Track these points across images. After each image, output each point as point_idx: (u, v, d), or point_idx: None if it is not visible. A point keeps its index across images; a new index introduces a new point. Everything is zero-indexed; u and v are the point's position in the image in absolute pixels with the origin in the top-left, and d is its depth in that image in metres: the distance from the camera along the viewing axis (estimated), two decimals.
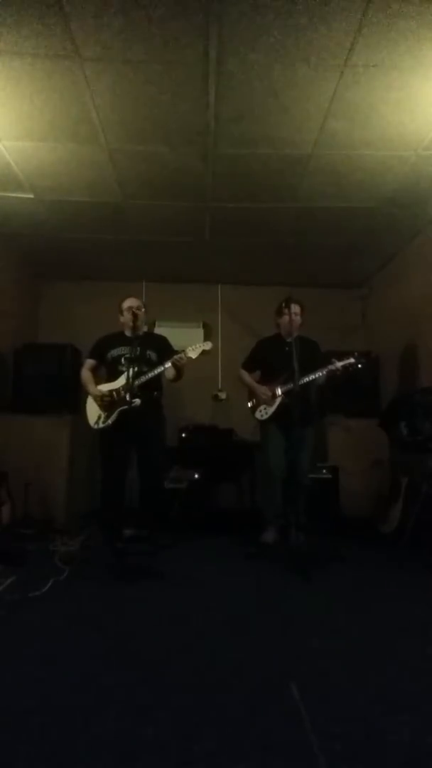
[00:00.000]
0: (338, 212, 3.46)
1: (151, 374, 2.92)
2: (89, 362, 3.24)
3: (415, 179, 3.00)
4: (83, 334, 4.05)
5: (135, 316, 3.04)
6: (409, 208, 3.37)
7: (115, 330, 3.23)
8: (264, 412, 3.12)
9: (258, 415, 3.15)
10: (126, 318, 3.10)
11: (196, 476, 3.74)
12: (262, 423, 3.16)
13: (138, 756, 1.09)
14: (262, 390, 3.13)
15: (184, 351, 2.89)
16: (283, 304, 3.12)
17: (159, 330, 4.32)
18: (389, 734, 1.17)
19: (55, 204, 3.36)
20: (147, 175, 3.01)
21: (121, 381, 3.00)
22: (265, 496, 3.15)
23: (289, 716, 1.24)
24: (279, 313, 3.21)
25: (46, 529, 3.30)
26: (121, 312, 3.18)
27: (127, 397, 2.82)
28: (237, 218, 3.57)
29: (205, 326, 4.81)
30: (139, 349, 3.01)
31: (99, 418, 3.03)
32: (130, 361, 2.89)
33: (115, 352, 3.13)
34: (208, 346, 2.95)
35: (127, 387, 2.86)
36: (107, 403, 3.01)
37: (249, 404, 3.23)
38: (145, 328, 3.32)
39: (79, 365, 4.01)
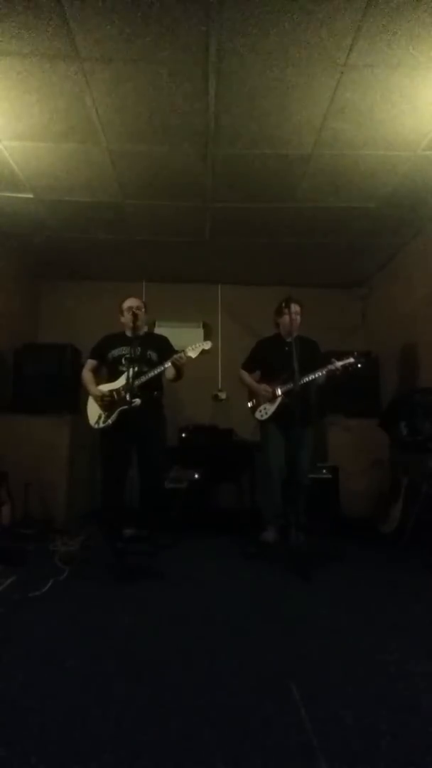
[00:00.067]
0: (338, 212, 3.46)
1: (151, 374, 2.92)
2: (90, 362, 3.25)
3: (415, 179, 3.00)
4: (83, 334, 4.06)
5: (135, 316, 3.04)
6: (409, 208, 3.37)
7: (116, 330, 3.23)
8: (264, 412, 3.12)
9: (258, 415, 3.15)
10: (126, 318, 3.11)
11: (196, 476, 3.74)
12: (262, 423, 3.16)
13: (138, 756, 1.09)
14: (263, 387, 3.13)
15: (183, 351, 2.90)
16: (283, 304, 3.12)
17: (159, 330, 4.32)
18: (389, 734, 1.17)
19: (55, 204, 3.36)
20: (147, 175, 3.01)
21: (122, 381, 3.00)
22: (265, 496, 3.15)
23: (289, 716, 1.24)
24: (279, 313, 3.21)
25: (46, 529, 3.30)
26: (121, 312, 3.18)
27: (127, 397, 2.83)
28: (237, 218, 3.58)
29: (205, 326, 4.81)
30: (139, 349, 3.01)
31: (99, 417, 3.03)
32: (131, 361, 2.89)
33: (115, 352, 3.13)
34: (207, 345, 2.95)
35: (128, 387, 2.87)
36: (107, 403, 3.01)
37: (249, 404, 3.23)
38: (145, 328, 3.31)
39: (79, 365, 4.02)
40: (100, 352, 3.23)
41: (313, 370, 2.92)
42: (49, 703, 1.30)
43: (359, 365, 2.94)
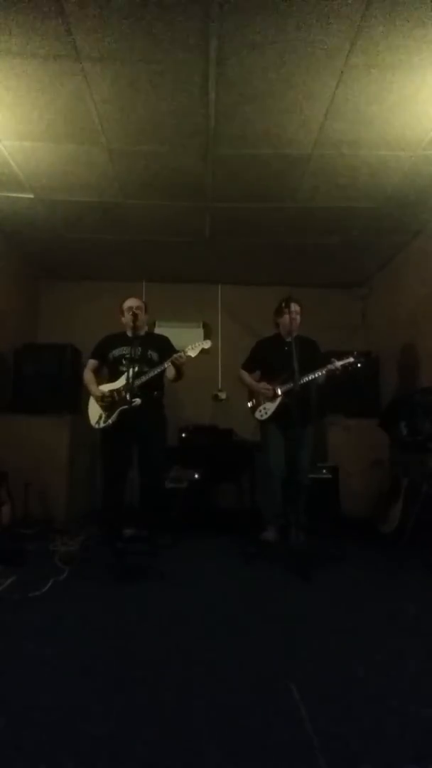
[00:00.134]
0: (338, 212, 3.46)
1: (151, 374, 2.93)
2: (91, 362, 3.26)
3: (415, 179, 3.00)
4: (83, 334, 4.06)
5: (135, 316, 3.05)
6: (409, 208, 3.37)
7: (117, 330, 3.23)
8: (264, 412, 3.11)
9: (258, 415, 3.15)
10: (126, 318, 3.11)
11: (196, 476, 3.74)
12: (262, 423, 3.16)
13: (138, 756, 1.09)
14: (263, 386, 3.12)
15: (183, 350, 2.90)
16: (283, 304, 3.12)
17: (159, 330, 4.32)
18: (389, 734, 1.17)
19: (55, 204, 3.36)
20: (147, 175, 3.01)
21: (122, 381, 3.01)
22: (265, 496, 3.15)
23: (289, 716, 1.24)
24: (279, 313, 3.21)
25: (46, 529, 3.30)
26: (122, 312, 3.18)
27: (128, 397, 2.83)
28: (237, 218, 3.57)
29: (205, 326, 4.81)
30: (140, 349, 3.02)
31: (100, 418, 3.04)
32: (131, 361, 2.90)
33: (116, 352, 3.13)
34: (207, 344, 2.96)
35: (128, 387, 2.87)
36: (108, 403, 3.02)
37: (249, 404, 3.23)
38: (145, 328, 3.31)
39: (80, 365, 4.03)
40: (101, 352, 3.23)
41: (313, 369, 2.92)
42: (49, 703, 1.30)
43: (359, 365, 2.94)
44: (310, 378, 2.91)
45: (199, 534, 3.40)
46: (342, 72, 2.16)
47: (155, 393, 3.06)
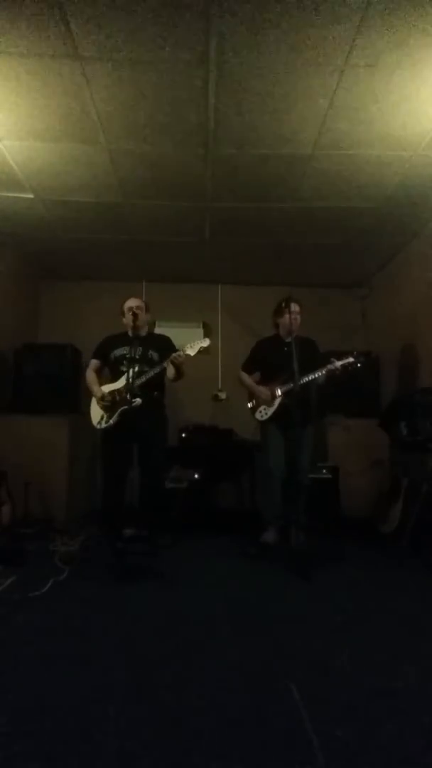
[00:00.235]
0: (338, 212, 3.46)
1: (151, 373, 2.93)
2: (93, 363, 3.26)
3: (415, 179, 3.00)
4: (83, 334, 4.07)
5: (135, 316, 3.05)
6: (409, 208, 3.37)
7: (119, 330, 3.24)
8: (264, 413, 3.11)
9: (258, 415, 3.15)
10: (127, 318, 3.11)
11: (196, 476, 3.74)
12: (262, 423, 3.16)
13: (138, 756, 1.09)
14: (262, 390, 3.13)
15: (182, 349, 2.91)
16: (283, 304, 3.12)
17: (159, 330, 4.32)
18: (389, 734, 1.17)
19: (55, 204, 3.36)
20: (147, 175, 3.01)
21: (123, 381, 3.01)
22: (265, 496, 3.15)
23: (289, 716, 1.24)
24: (278, 313, 3.21)
25: (46, 529, 3.30)
26: (123, 313, 3.18)
27: (128, 397, 2.83)
28: (237, 218, 3.57)
29: (205, 326, 4.81)
30: (141, 349, 3.03)
31: (102, 418, 3.04)
32: (131, 361, 2.90)
33: (117, 353, 3.14)
34: (206, 342, 2.96)
35: (128, 387, 2.87)
36: (108, 403, 3.02)
37: (249, 405, 3.23)
38: (146, 328, 3.31)
39: (80, 365, 4.04)
40: (102, 352, 3.24)
41: (313, 370, 2.92)
42: (49, 703, 1.30)
43: (359, 365, 2.94)
44: (310, 378, 2.90)
45: (199, 534, 3.40)
46: (342, 72, 2.16)
47: (155, 393, 3.06)
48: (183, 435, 4.11)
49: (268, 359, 3.21)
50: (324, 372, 2.92)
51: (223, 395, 4.68)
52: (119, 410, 2.95)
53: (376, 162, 2.83)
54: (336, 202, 3.31)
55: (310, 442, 3.17)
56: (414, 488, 3.17)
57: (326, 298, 4.80)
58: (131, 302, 3.18)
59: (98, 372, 3.24)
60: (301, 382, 2.79)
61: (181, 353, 2.88)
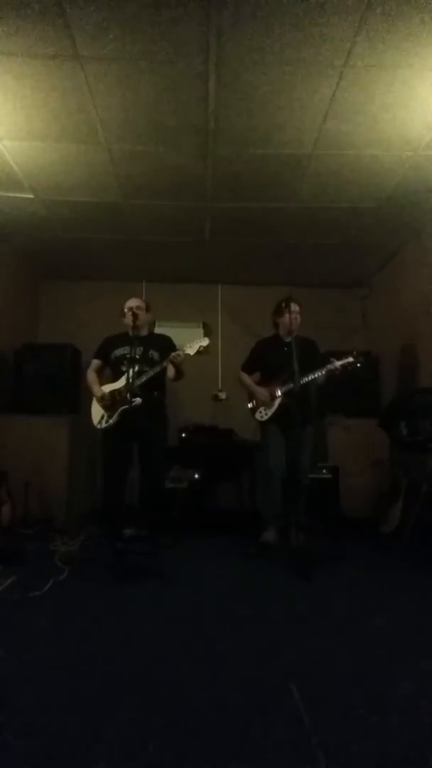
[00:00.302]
0: (338, 212, 3.46)
1: (151, 373, 2.93)
2: (94, 363, 3.27)
3: (415, 179, 3.00)
4: (83, 334, 4.07)
5: (135, 316, 3.05)
6: (409, 208, 3.37)
7: (121, 330, 3.24)
8: (264, 413, 3.11)
9: (258, 416, 3.15)
10: (127, 318, 3.11)
11: (196, 476, 3.74)
12: (262, 423, 3.15)
13: (138, 756, 1.09)
14: (262, 392, 3.13)
15: (181, 348, 2.91)
16: (283, 304, 3.12)
17: (159, 330, 4.32)
18: (389, 734, 1.17)
19: (55, 204, 3.36)
20: (147, 175, 3.01)
21: (123, 381, 3.01)
22: (265, 496, 3.15)
23: (289, 716, 1.24)
24: (278, 313, 3.20)
25: (46, 529, 3.30)
26: (123, 313, 3.18)
27: (128, 397, 2.83)
28: (237, 218, 3.58)
29: (205, 326, 4.82)
30: (141, 349, 3.03)
31: (102, 418, 3.05)
32: (131, 361, 2.90)
33: (118, 352, 3.14)
34: (205, 342, 2.96)
35: (128, 387, 2.87)
36: (108, 403, 3.02)
37: (249, 405, 3.23)
38: (146, 328, 3.32)
39: (80, 365, 4.04)
40: (103, 352, 3.24)
41: (313, 370, 2.92)
42: (49, 703, 1.30)
43: (358, 365, 2.94)
44: (309, 378, 2.90)
45: (199, 534, 3.40)
46: (342, 72, 2.16)
47: (156, 393, 3.06)
48: (183, 435, 4.11)
49: (267, 359, 3.21)
50: (324, 372, 2.92)
51: (223, 395, 4.68)
52: (119, 410, 2.95)
53: (376, 162, 2.83)
54: (336, 202, 3.31)
55: (310, 442, 3.17)
56: (414, 488, 3.17)
57: (326, 298, 4.80)
58: (131, 302, 3.18)
59: (99, 372, 3.25)
60: (301, 382, 2.79)
61: (181, 353, 2.89)
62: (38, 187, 3.13)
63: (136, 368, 2.90)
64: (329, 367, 2.92)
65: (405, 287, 4.05)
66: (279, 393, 3.04)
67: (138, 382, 2.88)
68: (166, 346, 3.14)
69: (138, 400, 2.82)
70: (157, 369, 2.95)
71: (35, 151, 2.75)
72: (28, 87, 2.26)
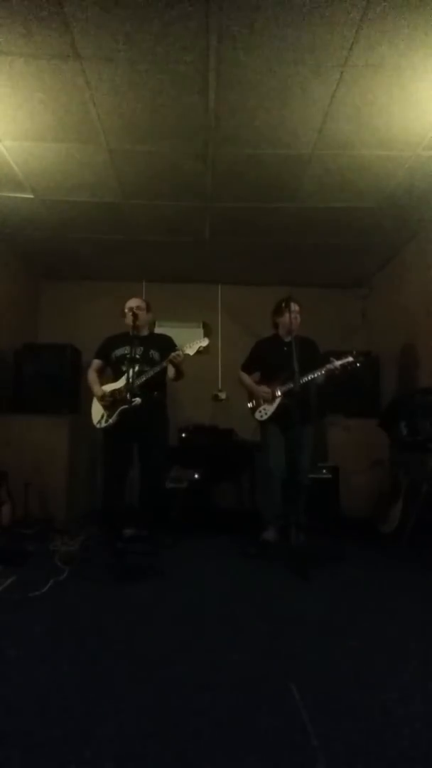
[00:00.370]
0: (338, 212, 3.46)
1: (151, 373, 2.93)
2: (95, 362, 3.27)
3: (415, 179, 3.00)
4: (83, 334, 4.07)
5: (135, 316, 3.05)
6: (409, 208, 3.37)
7: (122, 330, 3.24)
8: (264, 413, 3.11)
9: (258, 415, 3.15)
10: (127, 318, 3.11)
11: (196, 476, 3.74)
12: (262, 423, 3.15)
13: (138, 756, 1.09)
14: (262, 388, 3.13)
15: (181, 348, 2.91)
16: (283, 304, 3.12)
17: (159, 330, 4.32)
18: (389, 734, 1.17)
19: (55, 204, 3.36)
20: (147, 175, 3.01)
21: (124, 381, 3.01)
22: (265, 496, 3.15)
23: (289, 716, 1.24)
24: (278, 312, 3.20)
25: (46, 529, 3.30)
26: (124, 313, 3.19)
27: (128, 397, 2.84)
28: (237, 218, 3.57)
29: (205, 326, 4.82)
30: (141, 348, 3.03)
31: (102, 417, 3.05)
32: (131, 361, 2.90)
33: (118, 352, 3.15)
34: (205, 342, 2.97)
35: (128, 387, 2.88)
36: (109, 403, 3.03)
37: (249, 405, 3.23)
38: (147, 328, 3.32)
39: (80, 365, 4.04)
40: (104, 352, 3.25)
41: (313, 369, 2.92)
42: (49, 703, 1.30)
43: (358, 364, 2.94)
44: (309, 378, 2.90)
45: (199, 534, 3.40)
46: (342, 72, 2.16)
47: (156, 393, 3.06)
48: (183, 435, 4.11)
49: (267, 359, 3.21)
50: (323, 372, 2.92)
51: (223, 395, 4.68)
52: (119, 410, 2.95)
53: (376, 162, 2.83)
54: (336, 202, 3.31)
55: (310, 442, 3.17)
56: (414, 488, 3.17)
57: (326, 298, 4.80)
58: (132, 302, 3.18)
59: (100, 372, 3.25)
60: (301, 381, 2.79)
61: (180, 353, 2.89)
62: (38, 187, 3.13)
63: (137, 368, 2.90)
64: (329, 366, 2.91)
65: (405, 287, 4.05)
66: (279, 393, 3.04)
67: (138, 382, 2.89)
68: (167, 346, 3.14)
69: (138, 400, 2.82)
70: (157, 369, 2.95)
71: (35, 151, 2.75)
72: (28, 87, 2.26)
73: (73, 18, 1.89)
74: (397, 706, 1.29)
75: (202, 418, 4.50)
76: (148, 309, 3.25)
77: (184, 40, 2.01)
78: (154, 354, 3.09)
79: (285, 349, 2.98)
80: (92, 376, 3.22)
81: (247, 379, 3.28)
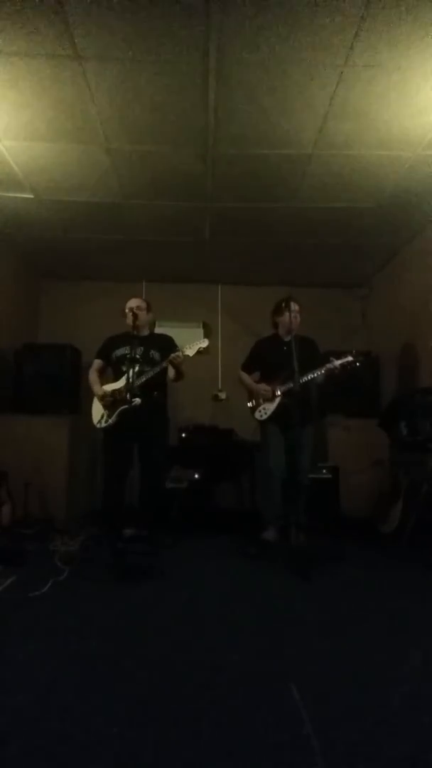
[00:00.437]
0: (338, 212, 3.46)
1: (151, 373, 2.93)
2: (96, 362, 3.27)
3: (415, 179, 3.00)
4: (83, 334, 4.07)
5: (135, 316, 3.05)
6: (409, 208, 3.37)
7: (122, 330, 3.24)
8: (264, 413, 3.11)
9: (258, 415, 3.15)
10: (128, 318, 3.11)
11: (196, 476, 3.74)
12: (262, 423, 3.15)
13: (138, 756, 1.09)
14: (262, 387, 3.13)
15: (180, 349, 2.91)
16: (283, 304, 3.12)
17: (159, 330, 4.32)
18: (389, 734, 1.17)
19: (55, 204, 3.36)
20: (147, 175, 3.01)
21: (124, 381, 3.01)
22: (265, 496, 3.15)
23: (289, 716, 1.24)
24: (278, 312, 3.20)
25: (46, 529, 3.30)
26: (125, 313, 3.19)
27: (128, 397, 2.84)
28: (237, 218, 3.58)
29: (205, 326, 4.82)
30: (141, 349, 3.03)
31: (102, 417, 3.05)
32: (132, 361, 2.90)
33: (119, 352, 3.15)
34: (204, 343, 2.96)
35: (128, 387, 2.88)
36: (109, 403, 3.03)
37: (249, 405, 3.23)
38: (147, 328, 3.32)
39: (79, 365, 4.04)
40: (105, 352, 3.25)
41: (313, 369, 2.92)
42: (49, 703, 1.30)
43: (358, 364, 2.94)
44: (309, 377, 2.90)
45: (199, 534, 3.40)
46: (342, 72, 2.16)
47: (156, 393, 3.06)
48: (183, 435, 4.11)
49: (267, 359, 3.21)
50: (323, 371, 2.92)
51: (223, 395, 4.68)
52: (119, 410, 2.95)
53: (376, 162, 2.83)
54: (336, 202, 3.31)
55: (310, 442, 3.17)
56: (414, 488, 3.17)
57: (326, 298, 4.80)
58: (131, 302, 3.18)
59: (101, 372, 3.25)
60: (301, 381, 2.79)
61: (180, 354, 2.89)
62: (38, 187, 3.13)
63: (137, 368, 2.90)
64: (329, 366, 2.92)
65: (405, 287, 4.05)
66: (279, 392, 3.04)
67: (138, 383, 2.88)
68: (167, 346, 3.14)
69: (137, 400, 2.82)
70: (157, 369, 2.95)
71: (35, 151, 2.75)
72: (28, 87, 2.26)
73: (73, 18, 1.89)
74: (397, 706, 1.29)
75: (202, 418, 4.50)
76: (149, 309, 3.25)
77: (184, 40, 2.01)
78: (155, 354, 3.09)
79: (285, 348, 2.98)
80: (93, 376, 3.22)
81: (247, 378, 3.28)
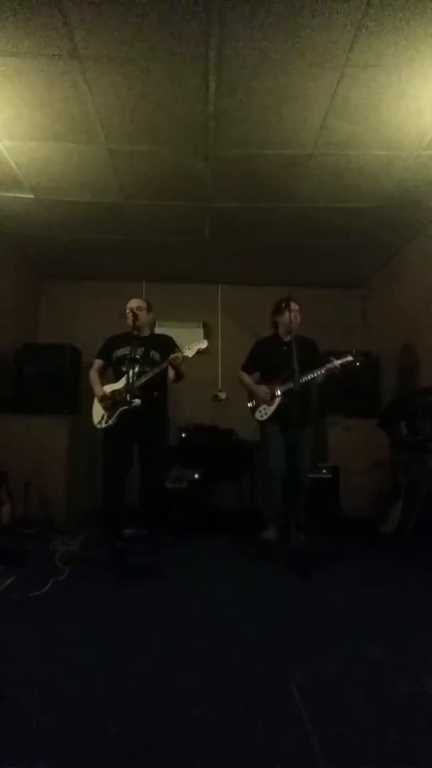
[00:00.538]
0: (338, 212, 3.46)
1: (150, 374, 2.93)
2: (97, 363, 3.27)
3: (415, 179, 3.00)
4: (83, 334, 4.07)
5: (135, 316, 3.05)
6: (409, 208, 3.37)
7: (122, 330, 3.23)
8: (264, 413, 3.11)
9: (258, 415, 3.15)
10: (128, 319, 3.11)
11: (196, 476, 3.74)
12: (262, 423, 3.15)
13: (138, 755, 1.09)
14: (261, 389, 3.13)
15: (180, 350, 2.91)
16: (283, 304, 3.12)
17: (159, 330, 4.32)
18: (389, 734, 1.17)
19: (55, 204, 3.36)
20: (147, 175, 3.01)
21: (124, 381, 3.01)
22: (265, 496, 3.15)
23: (289, 716, 1.24)
24: (278, 312, 3.20)
25: (46, 529, 3.30)
26: (125, 314, 3.18)
27: (128, 398, 2.84)
28: (237, 218, 3.57)
29: (205, 326, 4.82)
30: (142, 349, 3.03)
31: (102, 418, 3.05)
32: (131, 362, 2.90)
33: (119, 353, 3.15)
34: (204, 344, 2.96)
35: (128, 387, 2.88)
36: (109, 403, 3.03)
37: (249, 405, 3.23)
38: (148, 328, 3.32)
39: (79, 365, 4.04)
40: (106, 352, 3.25)
41: (313, 369, 2.92)
42: (50, 703, 1.30)
43: (358, 364, 2.94)
44: (309, 377, 2.90)
45: (199, 534, 3.39)
46: (342, 72, 2.16)
47: (156, 393, 3.06)
48: (183, 435, 4.11)
49: (267, 359, 3.21)
50: (323, 371, 2.92)
51: (223, 395, 4.68)
52: (119, 411, 2.95)
53: (376, 162, 2.83)
54: (336, 202, 3.31)
55: (310, 442, 3.17)
56: (414, 488, 3.17)
57: (326, 298, 4.80)
58: (132, 303, 3.18)
59: (102, 372, 3.25)
60: (301, 381, 2.79)
61: (179, 355, 2.88)
62: (38, 187, 3.13)
63: (137, 369, 2.90)
64: (328, 366, 2.91)
65: (405, 287, 4.05)
66: (279, 392, 3.04)
67: (138, 383, 2.88)
68: (168, 346, 3.13)
69: (137, 401, 2.81)
70: (158, 370, 2.95)
71: (35, 151, 2.75)
72: (27, 87, 2.26)
73: (73, 18, 1.89)
74: (397, 706, 1.29)
75: (202, 418, 4.50)
76: (149, 309, 3.24)
77: (184, 40, 2.01)
78: (155, 354, 3.09)
79: (285, 348, 2.98)
80: (93, 376, 3.22)
81: (246, 378, 3.28)
